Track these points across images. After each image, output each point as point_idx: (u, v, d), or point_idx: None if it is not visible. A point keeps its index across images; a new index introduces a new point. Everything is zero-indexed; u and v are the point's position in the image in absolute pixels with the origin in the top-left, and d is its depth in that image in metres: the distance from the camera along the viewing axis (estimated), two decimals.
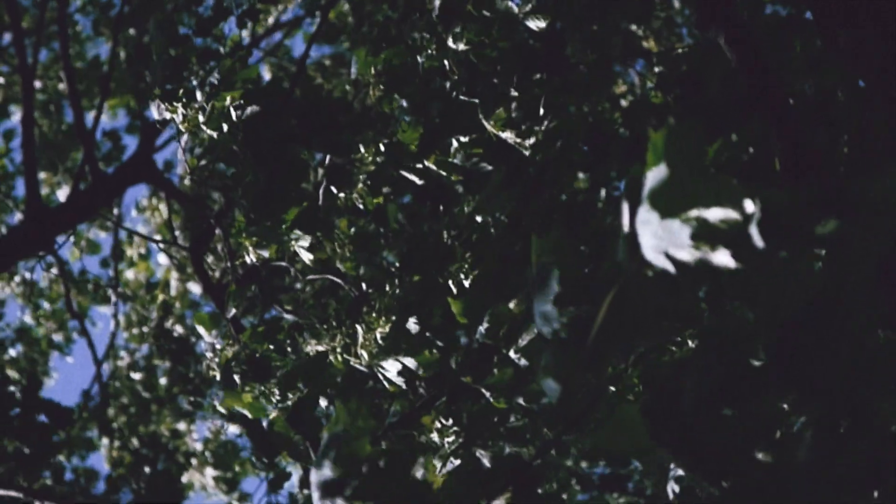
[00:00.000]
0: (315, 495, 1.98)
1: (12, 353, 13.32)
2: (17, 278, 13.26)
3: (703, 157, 1.28)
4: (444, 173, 3.63)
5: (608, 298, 1.72)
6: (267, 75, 11.68)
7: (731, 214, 1.35)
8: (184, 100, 3.66)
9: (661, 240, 1.53)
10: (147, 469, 11.39)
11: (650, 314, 1.70)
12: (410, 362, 3.65)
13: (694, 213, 1.46)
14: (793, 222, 1.36)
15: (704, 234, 1.42)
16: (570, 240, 1.78)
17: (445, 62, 3.61)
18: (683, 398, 1.77)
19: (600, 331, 1.74)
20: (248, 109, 3.56)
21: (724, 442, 1.67)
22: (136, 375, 12.77)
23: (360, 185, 3.85)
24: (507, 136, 3.40)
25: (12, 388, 10.48)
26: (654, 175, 1.31)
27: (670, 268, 1.55)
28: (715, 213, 1.37)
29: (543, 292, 1.82)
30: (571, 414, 2.03)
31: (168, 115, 3.70)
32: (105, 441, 12.21)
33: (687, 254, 1.53)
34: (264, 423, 3.93)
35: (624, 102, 4.49)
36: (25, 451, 10.39)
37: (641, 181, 1.54)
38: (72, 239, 13.88)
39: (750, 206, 1.34)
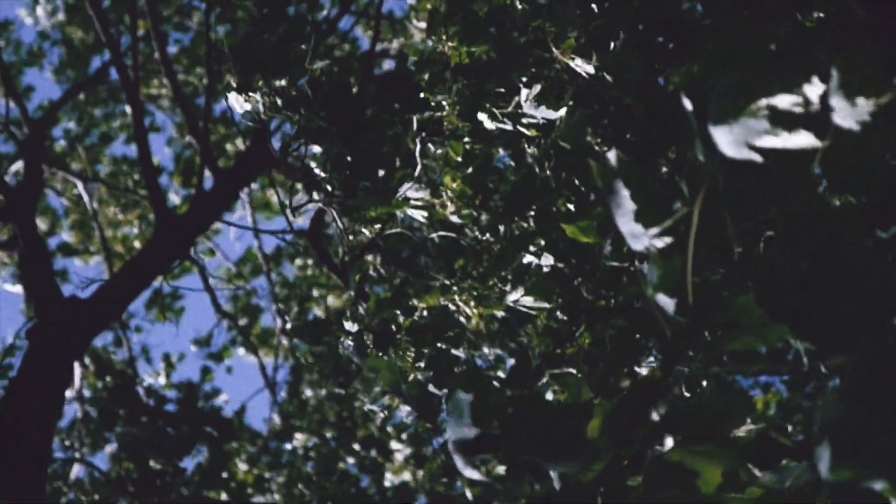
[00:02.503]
0: (455, 455, 2.04)
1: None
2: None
3: (764, 49, 1.26)
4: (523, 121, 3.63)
5: (698, 201, 1.71)
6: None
7: (803, 96, 1.33)
8: (261, 88, 3.73)
9: (738, 133, 1.52)
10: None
11: (742, 208, 1.68)
12: (529, 299, 3.68)
13: (763, 102, 1.44)
14: (877, 87, 1.32)
15: (780, 120, 1.40)
16: (628, 158, 1.78)
17: None
18: (793, 280, 1.75)
19: (698, 233, 1.73)
20: (326, 84, 3.61)
21: (842, 315, 1.65)
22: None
23: (452, 139, 3.87)
24: (577, 63, 3.37)
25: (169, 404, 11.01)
26: (717, 74, 1.31)
27: (755, 157, 1.54)
28: (785, 99, 1.35)
29: (621, 213, 1.82)
30: (690, 323, 2.02)
31: (247, 107, 3.78)
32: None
33: (767, 140, 1.51)
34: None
35: None
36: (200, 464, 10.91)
37: (702, 80, 1.53)
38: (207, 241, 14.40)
39: (818, 85, 1.32)
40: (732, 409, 1.85)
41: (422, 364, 3.87)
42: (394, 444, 11.40)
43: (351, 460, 11.82)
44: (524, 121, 3.63)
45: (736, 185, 1.68)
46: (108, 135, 15.06)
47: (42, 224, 15.06)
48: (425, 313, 4.11)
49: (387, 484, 11.48)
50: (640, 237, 1.78)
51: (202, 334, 14.72)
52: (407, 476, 11.22)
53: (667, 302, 1.89)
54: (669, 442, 1.91)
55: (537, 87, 3.58)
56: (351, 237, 4.50)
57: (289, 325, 13.49)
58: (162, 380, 13.34)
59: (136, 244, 15.04)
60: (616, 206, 1.85)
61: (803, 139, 1.53)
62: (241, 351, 14.70)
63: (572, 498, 2.01)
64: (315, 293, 14.16)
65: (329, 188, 3.80)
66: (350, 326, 4.15)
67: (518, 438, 1.98)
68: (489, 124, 3.74)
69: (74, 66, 14.88)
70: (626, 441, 2.00)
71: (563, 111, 3.51)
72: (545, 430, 2.01)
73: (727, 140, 1.58)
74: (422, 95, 3.76)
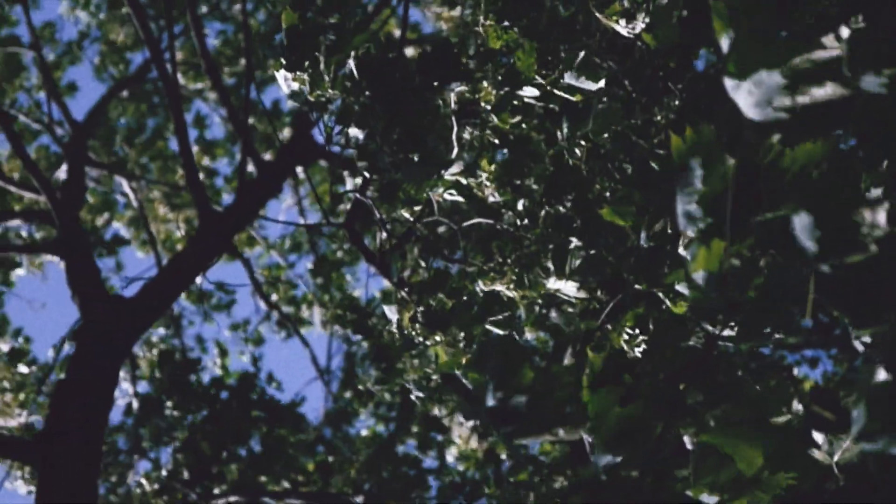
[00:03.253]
0: (492, 426, 2.03)
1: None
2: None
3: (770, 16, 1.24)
4: (563, 94, 3.60)
5: (731, 174, 1.69)
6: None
7: (818, 55, 1.31)
8: (309, 68, 3.73)
9: (756, 94, 1.51)
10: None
11: (774, 181, 1.66)
12: (571, 288, 3.66)
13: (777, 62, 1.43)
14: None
15: (796, 78, 1.38)
16: (712, 133, 1.76)
17: None
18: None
19: (734, 208, 1.71)
20: (368, 63, 3.61)
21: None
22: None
23: (490, 121, 3.86)
24: (621, 26, 3.33)
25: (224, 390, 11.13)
26: (727, 40, 1.28)
27: (779, 115, 1.52)
28: (800, 58, 1.33)
29: (686, 191, 1.79)
30: (724, 299, 1.99)
31: (295, 87, 3.78)
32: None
33: (786, 99, 1.50)
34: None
35: None
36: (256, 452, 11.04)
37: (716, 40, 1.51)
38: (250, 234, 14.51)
39: (832, 43, 1.29)
40: (771, 396, 1.82)
41: (468, 348, 3.87)
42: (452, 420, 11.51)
43: (412, 441, 11.92)
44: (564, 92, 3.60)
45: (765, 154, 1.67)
46: (158, 130, 15.22)
47: (97, 217, 15.28)
48: (469, 299, 4.11)
49: (450, 459, 11.58)
50: (696, 219, 1.76)
51: (248, 327, 14.84)
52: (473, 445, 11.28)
53: (707, 280, 1.87)
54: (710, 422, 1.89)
55: (580, 55, 3.55)
56: (389, 226, 4.51)
57: (328, 314, 13.59)
58: (218, 370, 13.45)
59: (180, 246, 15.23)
60: (682, 185, 1.84)
61: (826, 91, 1.52)
62: (292, 341, 14.85)
63: (617, 482, 1.99)
64: (353, 280, 14.27)
65: (369, 174, 3.80)
66: (391, 313, 4.15)
67: (546, 413, 1.96)
68: (531, 91, 3.71)
69: (115, 63, 15.05)
70: (669, 422, 1.98)
71: (602, 82, 3.48)
72: (580, 408, 1.99)
73: (749, 102, 1.56)
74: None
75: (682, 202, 1.80)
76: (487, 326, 4.00)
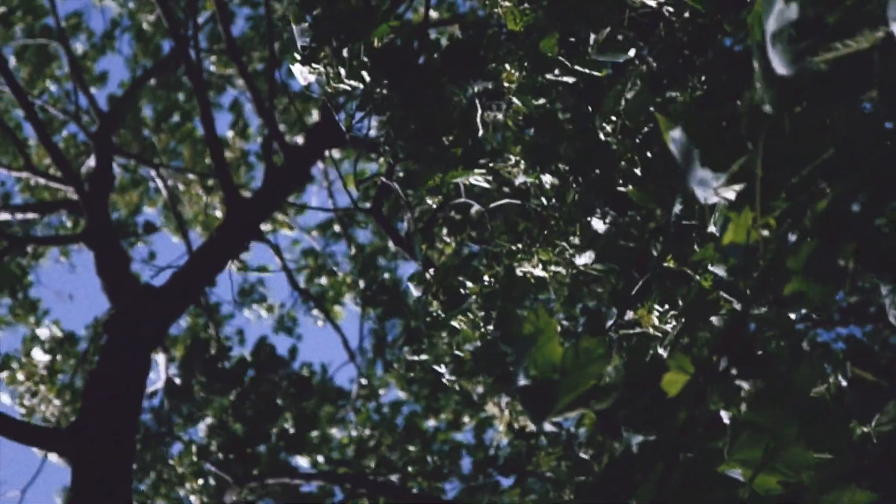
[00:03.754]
0: (522, 407, 2.03)
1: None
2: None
3: None
4: (587, 70, 3.59)
5: (760, 144, 1.68)
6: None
7: None
8: (325, 59, 3.74)
9: (791, 50, 1.51)
10: None
11: (803, 145, 1.65)
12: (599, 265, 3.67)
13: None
14: None
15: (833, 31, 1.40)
16: (697, 108, 1.76)
17: None
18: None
19: (763, 179, 1.71)
20: (386, 52, 3.61)
21: None
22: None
23: (515, 102, 3.85)
24: None
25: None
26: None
27: (813, 66, 1.52)
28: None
29: (689, 164, 1.79)
30: (756, 268, 1.98)
31: (311, 78, 3.79)
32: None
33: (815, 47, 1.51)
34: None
35: None
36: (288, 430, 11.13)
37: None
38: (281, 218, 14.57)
39: None
40: (802, 374, 1.82)
41: (489, 326, 3.88)
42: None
43: (443, 416, 12.03)
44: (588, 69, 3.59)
45: (794, 118, 1.66)
46: (187, 114, 15.31)
47: (127, 202, 15.41)
48: (493, 280, 4.12)
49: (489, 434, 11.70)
50: (708, 187, 1.76)
51: (280, 311, 14.94)
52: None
53: (737, 252, 1.87)
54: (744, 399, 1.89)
55: (604, 32, 3.54)
56: (415, 210, 4.51)
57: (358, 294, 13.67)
58: (245, 351, 13.57)
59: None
60: (683, 158, 1.84)
61: (858, 41, 1.52)
62: (320, 323, 14.90)
63: (651, 458, 1.99)
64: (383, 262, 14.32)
65: (392, 160, 3.81)
66: (416, 291, 4.17)
67: (576, 390, 1.96)
68: (554, 71, 3.71)
69: (146, 52, 15.14)
70: (702, 398, 1.97)
71: (632, 51, 3.47)
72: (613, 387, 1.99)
73: (782, 58, 1.57)
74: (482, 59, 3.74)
75: (691, 173, 1.81)
76: (509, 305, 4.01)
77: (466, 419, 11.97)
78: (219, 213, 15.24)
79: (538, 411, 1.97)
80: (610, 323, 3.97)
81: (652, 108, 3.39)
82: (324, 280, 15.10)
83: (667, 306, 3.63)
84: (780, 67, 1.54)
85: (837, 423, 1.81)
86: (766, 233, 1.92)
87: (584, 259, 3.76)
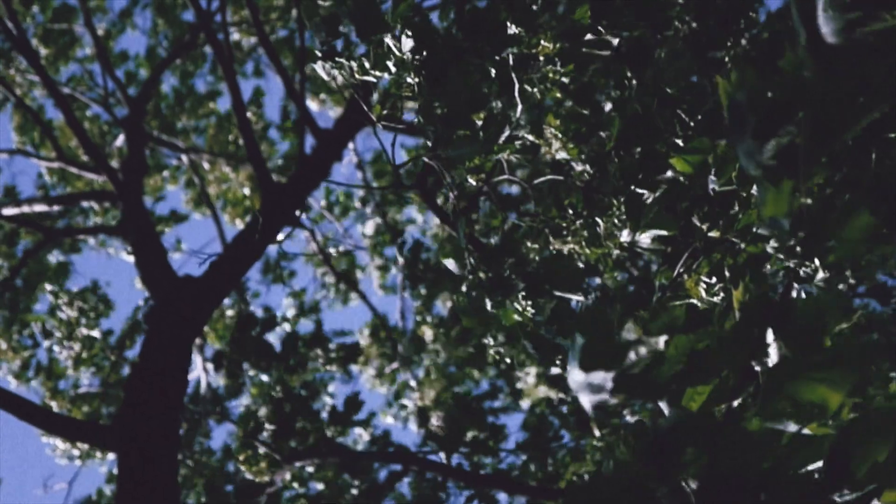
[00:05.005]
0: (581, 396, 2.12)
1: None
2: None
3: None
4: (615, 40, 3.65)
5: (804, 117, 1.74)
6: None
7: None
8: (346, 52, 3.82)
9: (839, 19, 1.57)
10: None
11: (847, 112, 1.71)
12: (647, 239, 3.72)
13: None
14: None
15: None
16: (755, 72, 1.80)
17: None
18: None
19: (807, 147, 1.77)
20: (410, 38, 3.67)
21: None
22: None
23: (551, 74, 3.91)
24: None
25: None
26: None
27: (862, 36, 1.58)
28: None
29: (741, 130, 1.85)
30: (800, 235, 2.06)
31: (335, 73, 3.87)
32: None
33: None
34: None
35: None
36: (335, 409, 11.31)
37: None
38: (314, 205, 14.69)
39: None
40: (830, 307, 1.88)
41: (536, 313, 3.95)
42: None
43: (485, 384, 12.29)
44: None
45: (839, 85, 1.70)
46: (212, 93, 15.42)
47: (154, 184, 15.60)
48: (537, 258, 4.18)
49: (524, 405, 11.88)
50: (755, 155, 1.82)
51: (308, 294, 15.10)
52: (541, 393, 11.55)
53: (779, 223, 1.92)
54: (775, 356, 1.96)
55: None
56: (457, 187, 4.58)
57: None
58: (287, 327, 13.73)
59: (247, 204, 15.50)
60: (735, 123, 1.89)
61: None
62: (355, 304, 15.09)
63: (690, 426, 2.08)
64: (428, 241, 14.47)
65: (430, 143, 3.88)
66: (454, 268, 4.23)
67: (629, 380, 2.05)
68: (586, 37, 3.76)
69: (168, 24, 15.22)
70: (743, 362, 2.06)
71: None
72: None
73: (831, 27, 1.62)
74: (510, 31, 3.79)
75: (740, 142, 1.86)
76: (556, 293, 4.07)
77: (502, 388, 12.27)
78: (246, 191, 15.40)
79: (598, 407, 2.09)
80: (657, 295, 4.04)
81: (695, 78, 3.46)
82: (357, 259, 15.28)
83: (714, 279, 3.69)
84: (828, 36, 1.58)
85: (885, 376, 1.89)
86: (808, 201, 1.97)
87: (631, 237, 3.82)
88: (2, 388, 6.98)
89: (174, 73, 15.25)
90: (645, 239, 3.95)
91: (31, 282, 13.02)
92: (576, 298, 3.94)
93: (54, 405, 12.70)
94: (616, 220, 3.95)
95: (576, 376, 2.12)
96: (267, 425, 10.62)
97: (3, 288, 12.26)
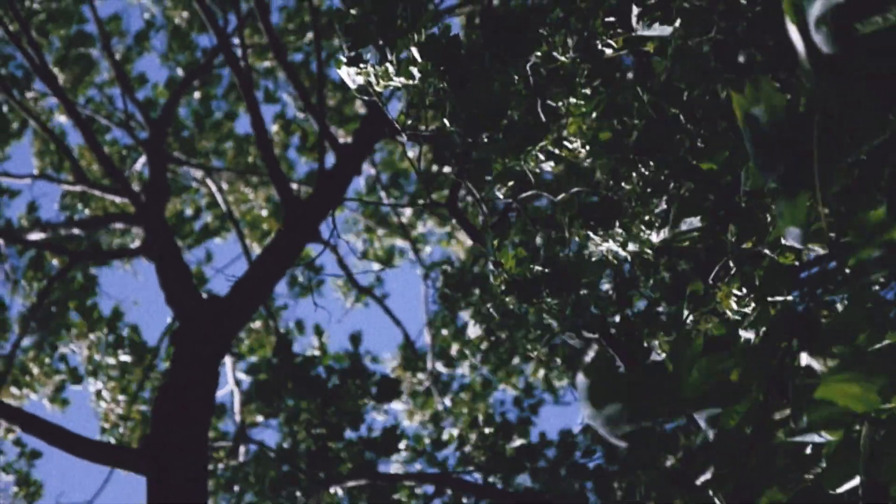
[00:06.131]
0: (599, 427, 2.17)
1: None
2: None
3: None
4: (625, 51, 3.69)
5: (814, 127, 1.78)
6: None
7: None
8: (370, 60, 3.88)
9: (832, 30, 1.62)
10: None
11: (857, 122, 1.75)
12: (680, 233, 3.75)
13: None
14: None
15: None
16: (770, 84, 1.83)
17: None
18: None
19: (820, 159, 1.81)
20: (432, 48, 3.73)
21: None
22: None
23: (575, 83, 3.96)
24: None
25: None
26: None
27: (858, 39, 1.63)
28: None
29: (756, 143, 1.89)
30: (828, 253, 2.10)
31: (359, 80, 3.94)
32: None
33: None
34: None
35: None
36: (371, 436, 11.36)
37: None
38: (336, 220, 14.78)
39: None
40: (867, 320, 1.91)
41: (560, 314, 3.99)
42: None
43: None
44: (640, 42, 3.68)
45: (846, 97, 1.74)
46: (231, 114, 15.55)
47: (181, 208, 15.73)
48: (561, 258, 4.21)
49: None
50: (772, 168, 1.86)
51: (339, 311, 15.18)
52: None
53: (797, 234, 1.96)
54: (806, 361, 2.00)
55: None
56: (486, 204, 4.62)
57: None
58: (318, 352, 13.81)
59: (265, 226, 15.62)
60: (751, 137, 1.93)
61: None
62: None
63: (726, 443, 2.12)
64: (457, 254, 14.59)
65: (456, 154, 3.93)
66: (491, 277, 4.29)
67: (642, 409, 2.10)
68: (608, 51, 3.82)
69: (182, 48, 15.37)
70: (772, 376, 2.10)
71: (678, 22, 3.56)
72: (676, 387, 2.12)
73: (826, 36, 1.65)
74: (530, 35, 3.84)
75: (757, 156, 1.90)
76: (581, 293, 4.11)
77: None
78: (265, 213, 15.52)
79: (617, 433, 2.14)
80: (686, 313, 4.05)
81: (725, 93, 3.47)
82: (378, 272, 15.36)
83: (744, 290, 3.71)
84: (823, 46, 1.62)
85: None
86: (826, 211, 1.99)
87: (659, 236, 3.85)
88: (25, 412, 7.13)
89: (190, 95, 15.39)
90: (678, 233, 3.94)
91: (60, 307, 13.14)
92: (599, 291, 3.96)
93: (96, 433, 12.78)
94: (645, 221, 3.97)
95: (587, 411, 2.17)
96: (302, 450, 10.70)
97: (32, 313, 12.41)
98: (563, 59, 3.87)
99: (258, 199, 15.68)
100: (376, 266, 15.35)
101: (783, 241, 3.56)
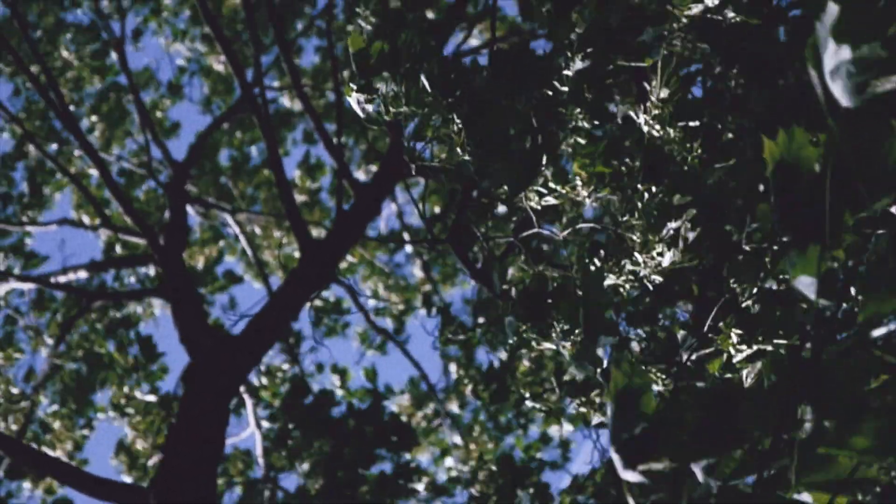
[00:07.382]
0: (615, 457, 2.00)
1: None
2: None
3: None
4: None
5: (826, 169, 1.67)
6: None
7: None
8: (380, 89, 3.77)
9: (852, 77, 1.50)
10: None
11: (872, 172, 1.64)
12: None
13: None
14: None
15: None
16: (804, 135, 1.74)
17: None
18: None
19: (832, 207, 1.69)
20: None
21: None
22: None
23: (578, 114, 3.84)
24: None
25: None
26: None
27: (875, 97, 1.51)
28: None
29: (784, 193, 1.78)
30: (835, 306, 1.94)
31: (369, 108, 3.83)
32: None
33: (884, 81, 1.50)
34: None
35: None
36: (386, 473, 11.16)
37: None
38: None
39: None
40: (859, 366, 1.80)
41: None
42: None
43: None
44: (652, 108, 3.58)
45: (862, 143, 1.65)
46: (263, 160, 15.53)
47: (207, 251, 15.69)
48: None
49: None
50: (792, 221, 1.78)
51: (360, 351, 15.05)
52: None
53: (810, 284, 1.85)
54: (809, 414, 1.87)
55: (660, 54, 3.54)
56: (489, 242, 4.52)
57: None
58: (340, 391, 13.66)
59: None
60: (778, 189, 1.87)
61: None
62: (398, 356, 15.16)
63: (731, 495, 1.96)
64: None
65: (459, 187, 3.82)
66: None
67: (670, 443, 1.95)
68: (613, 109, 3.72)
69: (220, 94, 15.41)
70: (779, 424, 1.94)
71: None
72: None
73: (844, 89, 1.56)
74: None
75: (781, 207, 1.80)
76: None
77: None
78: (297, 255, 15.42)
79: (629, 462, 1.98)
80: (685, 351, 3.91)
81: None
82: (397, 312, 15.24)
83: (745, 330, 3.56)
84: (842, 98, 1.52)
85: None
86: (835, 265, 1.91)
87: (667, 259, 3.70)
88: (31, 448, 7.01)
89: (225, 140, 15.40)
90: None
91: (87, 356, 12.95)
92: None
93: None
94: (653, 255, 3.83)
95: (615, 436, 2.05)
96: (316, 488, 10.55)
97: (54, 363, 12.29)
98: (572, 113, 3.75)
99: (290, 242, 15.59)
100: (394, 307, 15.20)
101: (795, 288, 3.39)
